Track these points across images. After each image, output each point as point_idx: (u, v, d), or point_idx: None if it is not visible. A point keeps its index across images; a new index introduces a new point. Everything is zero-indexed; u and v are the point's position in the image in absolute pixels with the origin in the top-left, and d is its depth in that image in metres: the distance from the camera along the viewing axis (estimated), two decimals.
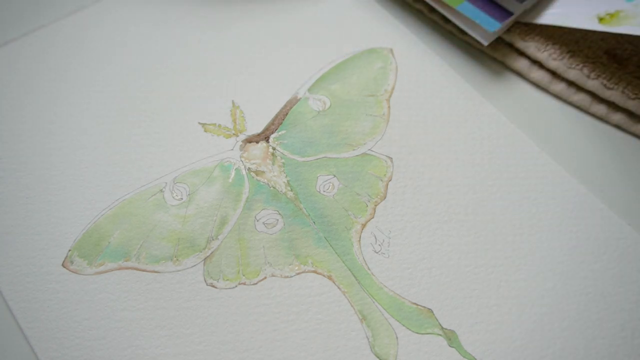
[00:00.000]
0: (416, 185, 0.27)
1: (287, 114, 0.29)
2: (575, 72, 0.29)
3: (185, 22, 0.33)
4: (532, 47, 0.30)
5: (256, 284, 0.24)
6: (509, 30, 0.30)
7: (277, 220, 0.26)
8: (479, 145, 0.28)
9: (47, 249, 0.25)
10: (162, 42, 0.32)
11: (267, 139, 0.28)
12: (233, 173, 0.27)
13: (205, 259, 0.25)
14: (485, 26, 0.29)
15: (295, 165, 0.28)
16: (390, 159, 0.28)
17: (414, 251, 0.25)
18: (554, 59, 0.29)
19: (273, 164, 0.28)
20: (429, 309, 0.24)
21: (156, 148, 0.28)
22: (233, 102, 0.30)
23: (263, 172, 0.27)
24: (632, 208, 0.27)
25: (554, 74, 0.30)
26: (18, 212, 0.26)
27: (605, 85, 0.28)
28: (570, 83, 0.30)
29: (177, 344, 0.23)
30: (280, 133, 0.29)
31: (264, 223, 0.26)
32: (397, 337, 0.23)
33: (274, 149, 0.28)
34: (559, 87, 0.30)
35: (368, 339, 0.23)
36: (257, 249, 0.25)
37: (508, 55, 0.31)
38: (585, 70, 0.29)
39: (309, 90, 0.30)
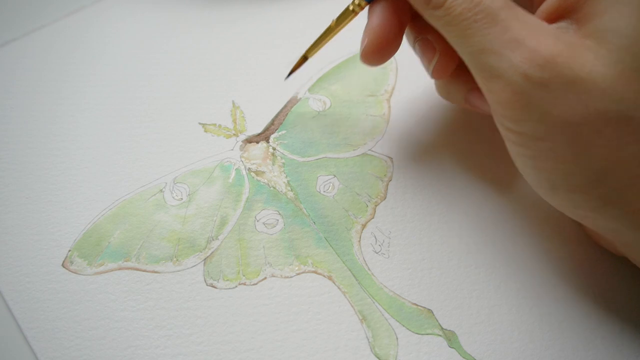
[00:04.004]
0: (416, 185, 0.27)
1: (287, 114, 0.29)
2: None
3: (185, 22, 0.33)
4: None
5: (256, 284, 0.24)
6: None
7: (277, 220, 0.26)
8: (480, 145, 0.28)
9: (47, 249, 0.25)
10: (162, 42, 0.32)
11: (267, 139, 0.28)
12: (233, 173, 0.27)
13: (205, 259, 0.25)
14: None
15: (295, 166, 0.28)
16: (391, 159, 0.28)
17: (414, 251, 0.25)
18: None
19: (273, 164, 0.28)
20: (429, 309, 0.24)
21: (156, 148, 0.28)
22: (233, 103, 0.30)
23: (263, 172, 0.27)
24: None
25: None
26: (18, 212, 0.26)
27: None
28: None
29: (177, 344, 0.23)
30: (280, 133, 0.29)
31: (264, 223, 0.26)
32: (397, 338, 0.23)
33: (274, 149, 0.28)
34: None
35: (368, 339, 0.23)
36: (257, 249, 0.25)
37: None
38: None
39: (309, 90, 0.30)
